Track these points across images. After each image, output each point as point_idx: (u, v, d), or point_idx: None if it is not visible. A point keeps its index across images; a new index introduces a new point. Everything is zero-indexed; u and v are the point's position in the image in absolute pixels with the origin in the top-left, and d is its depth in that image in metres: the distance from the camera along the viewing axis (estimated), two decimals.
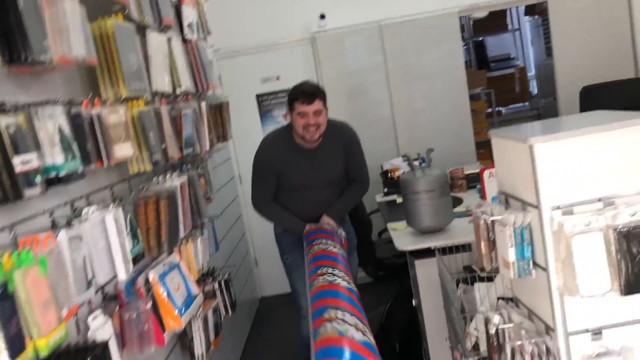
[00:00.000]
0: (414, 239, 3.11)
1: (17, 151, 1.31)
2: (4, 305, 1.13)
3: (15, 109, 1.38)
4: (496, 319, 1.65)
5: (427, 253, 3.08)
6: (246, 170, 5.06)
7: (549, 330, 1.50)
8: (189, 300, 2.35)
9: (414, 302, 3.48)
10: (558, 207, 1.39)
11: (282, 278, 5.19)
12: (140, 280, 2.14)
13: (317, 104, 2.91)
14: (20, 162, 1.30)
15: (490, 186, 2.57)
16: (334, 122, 3.17)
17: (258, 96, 5.03)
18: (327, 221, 3.04)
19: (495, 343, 1.66)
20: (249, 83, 4.96)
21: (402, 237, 3.17)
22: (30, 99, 1.69)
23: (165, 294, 2.15)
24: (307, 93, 2.90)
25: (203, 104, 3.15)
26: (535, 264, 1.49)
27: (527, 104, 7.38)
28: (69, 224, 1.58)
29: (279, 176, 3.08)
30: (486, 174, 2.58)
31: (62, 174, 1.47)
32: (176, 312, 2.16)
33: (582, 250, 1.32)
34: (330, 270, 2.35)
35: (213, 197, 3.32)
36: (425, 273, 3.11)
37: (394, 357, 3.46)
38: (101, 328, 1.75)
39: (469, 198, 3.76)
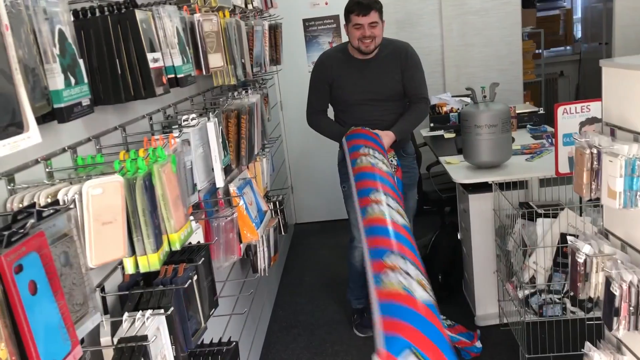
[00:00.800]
0: (471, 173, 3.12)
1: (148, 49, 1.30)
2: (150, 197, 1.16)
3: (144, 5, 1.37)
4: (587, 248, 1.68)
5: (480, 188, 3.10)
6: (288, 96, 5.05)
7: None
8: (261, 214, 2.41)
9: (459, 236, 3.54)
10: None
11: (316, 206, 5.30)
12: (220, 192, 2.19)
13: (373, 16, 2.88)
14: (152, 59, 1.31)
15: (564, 123, 2.55)
16: (392, 39, 3.13)
17: (305, 21, 4.92)
18: (388, 139, 2.91)
19: (582, 272, 1.69)
20: (296, 7, 4.85)
21: (458, 171, 3.18)
22: None
23: (243, 207, 2.20)
24: (363, 4, 2.87)
25: (265, 23, 3.10)
26: None
27: (569, 48, 7.20)
28: (179, 128, 1.59)
29: (332, 87, 3.06)
30: (560, 110, 2.55)
31: (180, 75, 1.48)
32: (253, 224, 2.22)
33: None
34: (383, 197, 2.25)
35: (270, 119, 3.32)
36: (478, 207, 3.14)
37: (437, 288, 3.55)
38: (195, 233, 1.80)
39: (521, 137, 3.74)
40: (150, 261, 1.16)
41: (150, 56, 1.30)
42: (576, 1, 7.38)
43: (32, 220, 0.77)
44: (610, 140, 1.57)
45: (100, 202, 1.02)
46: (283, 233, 3.14)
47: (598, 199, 1.61)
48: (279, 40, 3.69)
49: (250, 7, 2.72)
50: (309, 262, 4.44)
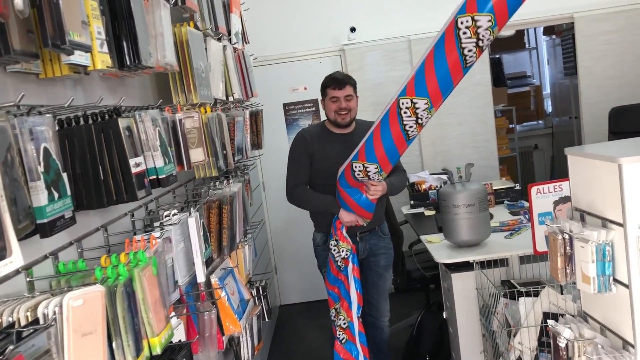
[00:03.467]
0: (452, 252, 3.15)
1: (130, 154, 1.35)
2: (131, 303, 1.17)
3: (127, 112, 1.43)
4: (567, 332, 1.69)
5: (462, 267, 3.13)
6: (270, 177, 5.13)
7: (627, 346, 1.54)
8: (243, 304, 2.39)
9: (444, 315, 3.53)
10: None
11: (300, 287, 5.26)
12: (202, 284, 2.18)
13: (348, 89, 3.07)
14: (134, 164, 1.35)
15: (538, 202, 2.62)
16: (364, 120, 3.26)
17: (285, 105, 5.08)
18: (381, 188, 2.93)
19: (565, 356, 1.70)
20: (277, 92, 5.02)
21: (439, 250, 3.22)
22: (116, 102, 1.75)
23: (225, 298, 2.19)
24: (338, 79, 3.08)
25: (247, 112, 3.21)
26: (615, 280, 1.54)
27: (541, 122, 7.47)
28: (161, 226, 1.62)
29: (312, 160, 3.10)
30: (534, 190, 2.63)
31: (162, 176, 1.52)
32: (235, 315, 2.20)
33: None
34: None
35: (252, 203, 3.36)
36: (461, 286, 3.15)
37: None
38: (176, 329, 1.78)
39: (499, 213, 3.81)
40: None
41: (132, 161, 1.34)
42: (545, 78, 7.73)
43: (10, 347, 0.78)
44: (580, 226, 1.62)
45: (81, 313, 1.03)
46: (267, 319, 3.11)
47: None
48: (260, 125, 3.80)
49: (231, 99, 2.82)
50: (294, 346, 4.36)
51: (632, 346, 1.51)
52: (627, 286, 1.50)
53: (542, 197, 2.63)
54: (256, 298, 3.02)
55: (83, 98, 1.54)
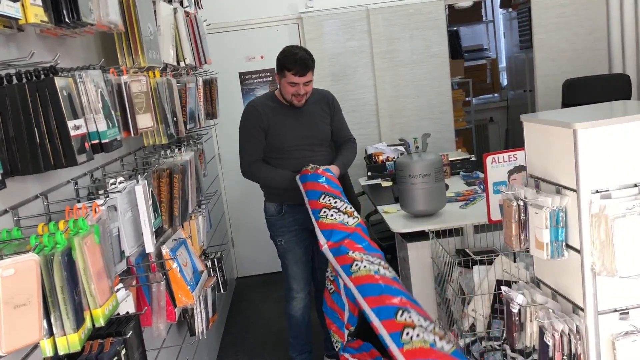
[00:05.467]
0: (408, 222, 3.16)
1: (68, 116, 1.26)
2: (70, 273, 1.10)
3: (65, 72, 1.33)
4: (520, 298, 1.71)
5: (418, 236, 3.14)
6: (226, 149, 5.02)
7: (577, 309, 1.56)
8: (197, 276, 2.34)
9: None
10: (597, 191, 1.45)
11: (257, 259, 5.22)
12: (152, 255, 2.11)
13: (309, 76, 2.94)
14: (73, 127, 1.26)
15: (493, 172, 2.64)
16: (314, 88, 3.19)
17: (241, 74, 4.96)
18: (335, 172, 2.94)
19: (517, 322, 1.72)
20: (233, 61, 4.89)
21: (395, 220, 3.22)
22: (53, 62, 1.64)
23: (177, 269, 2.12)
24: (301, 66, 2.89)
25: (200, 79, 3.10)
26: (568, 246, 1.55)
27: (497, 95, 7.55)
28: (105, 193, 1.54)
29: (267, 135, 3.03)
30: (489, 159, 2.64)
31: (105, 141, 1.43)
32: (188, 287, 2.14)
33: (622, 233, 1.38)
34: (364, 256, 2.37)
35: (207, 174, 3.28)
36: (417, 255, 3.17)
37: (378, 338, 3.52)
38: (124, 301, 1.72)
39: (454, 184, 3.84)
40: (70, 342, 1.08)
41: (71, 124, 1.26)
42: (501, 51, 7.80)
43: None
44: (535, 193, 1.62)
45: (13, 283, 0.95)
46: (222, 291, 3.06)
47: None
48: (215, 94, 3.69)
49: (182, 64, 2.71)
50: (251, 318, 4.33)
51: (582, 309, 1.53)
52: (578, 251, 1.51)
53: (497, 166, 2.65)
54: (211, 270, 2.96)
55: (17, 56, 1.43)
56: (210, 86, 3.58)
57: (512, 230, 1.66)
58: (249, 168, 3.07)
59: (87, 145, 1.33)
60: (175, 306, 2.12)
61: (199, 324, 2.54)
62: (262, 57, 4.91)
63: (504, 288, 1.79)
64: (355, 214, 2.64)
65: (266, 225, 3.23)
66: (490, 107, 7.33)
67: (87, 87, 1.40)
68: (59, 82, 1.24)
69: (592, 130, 1.43)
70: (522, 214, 1.63)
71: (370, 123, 4.97)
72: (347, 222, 2.56)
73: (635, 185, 1.45)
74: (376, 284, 2.09)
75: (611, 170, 1.46)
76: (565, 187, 1.53)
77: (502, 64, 7.73)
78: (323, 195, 2.70)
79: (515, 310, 1.72)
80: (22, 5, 1.19)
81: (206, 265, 2.93)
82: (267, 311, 4.40)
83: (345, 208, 2.63)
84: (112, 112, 1.53)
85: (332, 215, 2.60)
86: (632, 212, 1.38)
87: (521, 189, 1.65)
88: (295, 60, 2.90)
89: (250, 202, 4.95)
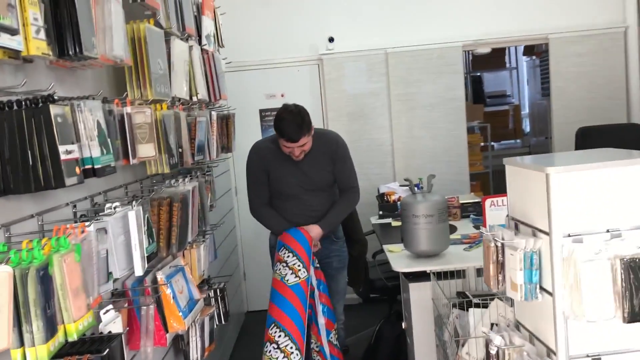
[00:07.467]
0: (410, 261, 3.17)
1: (62, 141, 1.36)
2: (45, 287, 1.17)
3: (62, 100, 1.44)
4: (498, 340, 1.71)
5: (421, 277, 3.15)
6: (243, 183, 5.10)
7: (550, 353, 1.56)
8: (192, 304, 2.39)
9: (403, 325, 3.54)
10: (569, 235, 1.47)
11: (268, 294, 5.23)
12: (148, 280, 2.18)
13: (302, 141, 2.95)
14: (65, 151, 1.36)
15: (491, 215, 2.66)
16: (323, 131, 3.25)
17: (261, 111, 5.10)
18: (315, 233, 3.07)
19: None
20: (253, 97, 5.04)
21: (398, 259, 3.24)
22: (65, 92, 1.76)
23: (171, 295, 2.18)
24: (291, 136, 2.91)
25: (214, 114, 3.22)
26: (541, 288, 1.56)
27: (519, 141, 7.55)
28: (96, 216, 1.62)
29: (269, 177, 3.13)
30: (487, 202, 2.67)
31: (98, 166, 1.52)
32: (180, 314, 2.20)
33: (590, 277, 1.40)
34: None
35: (215, 206, 3.36)
36: (419, 296, 3.17)
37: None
38: (112, 322, 1.78)
39: (463, 227, 3.84)
40: (39, 353, 1.15)
41: (62, 148, 1.35)
42: (524, 97, 7.83)
43: None
44: (512, 234, 1.65)
45: None
46: (223, 322, 3.10)
47: None
48: (231, 129, 3.81)
49: (195, 99, 2.83)
50: (256, 352, 4.31)
51: (554, 353, 1.53)
52: (551, 294, 1.52)
53: (496, 209, 2.68)
54: (212, 299, 3.02)
55: (25, 85, 1.55)
56: (227, 121, 3.71)
57: (490, 270, 1.68)
58: (258, 211, 3.23)
59: (77, 169, 1.42)
60: (167, 331, 2.18)
61: (194, 352, 2.58)
62: (282, 96, 5.05)
63: (483, 329, 1.80)
64: (302, 272, 2.88)
65: None
66: (512, 152, 7.32)
67: (85, 116, 1.51)
68: (54, 109, 1.34)
69: (564, 175, 1.46)
70: (499, 255, 1.65)
71: (385, 163, 5.03)
72: (288, 279, 2.87)
73: (608, 231, 1.47)
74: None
75: (584, 215, 1.48)
76: (540, 230, 1.55)
77: (525, 110, 7.75)
78: (284, 249, 3.00)
79: (493, 352, 1.73)
80: (25, 38, 1.30)
81: (208, 295, 3.00)
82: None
83: (294, 265, 2.90)
84: (109, 140, 1.62)
85: (279, 270, 2.93)
86: (600, 257, 1.39)
87: (499, 231, 1.68)
88: (284, 130, 2.93)
89: (264, 237, 5.00)
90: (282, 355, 2.36)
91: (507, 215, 1.79)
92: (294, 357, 2.38)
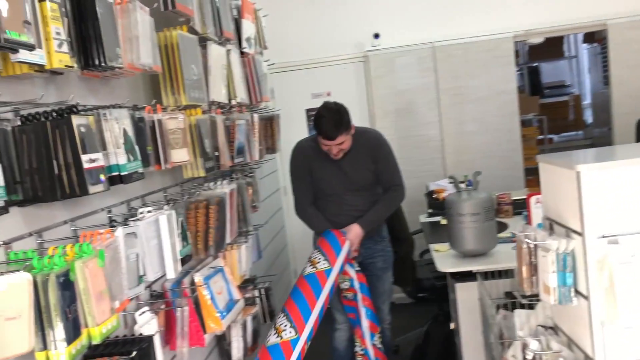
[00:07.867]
0: (456, 261, 3.10)
1: (85, 150, 1.40)
2: (65, 293, 1.22)
3: (85, 111, 1.49)
4: (534, 345, 1.64)
5: (468, 276, 3.06)
6: (290, 182, 5.15)
7: None
8: (231, 304, 2.42)
9: (451, 326, 3.46)
10: (603, 236, 1.39)
11: None
12: (186, 281, 2.23)
13: (339, 139, 2.92)
14: (88, 160, 1.40)
15: (537, 212, 2.55)
16: (364, 129, 3.20)
17: (308, 110, 5.12)
18: (353, 234, 3.04)
19: None
20: (300, 97, 5.06)
21: (444, 259, 3.16)
22: (98, 102, 1.81)
23: (208, 296, 2.22)
24: (328, 134, 2.90)
25: (255, 116, 3.25)
26: (577, 292, 1.48)
27: (580, 132, 7.23)
28: (125, 222, 1.67)
29: (311, 176, 3.13)
30: (533, 199, 2.56)
31: (124, 173, 1.57)
32: (218, 314, 2.23)
33: (625, 280, 1.31)
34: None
35: (259, 207, 3.39)
36: (466, 297, 3.09)
37: None
38: (147, 324, 1.83)
39: (515, 224, 3.71)
40: (61, 355, 1.19)
41: (86, 157, 1.39)
42: (585, 87, 7.49)
43: None
44: (546, 235, 1.58)
45: (4, 297, 1.08)
46: (268, 321, 3.13)
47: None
48: (276, 129, 3.85)
49: (234, 102, 2.86)
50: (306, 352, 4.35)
51: None
52: (586, 298, 1.44)
53: (540, 206, 2.56)
54: (257, 299, 3.05)
55: (56, 97, 1.61)
56: (271, 122, 3.74)
57: (523, 273, 1.61)
58: (304, 212, 3.23)
59: (102, 177, 1.46)
60: (205, 332, 2.22)
61: (236, 353, 2.62)
62: (328, 94, 5.04)
63: (520, 333, 1.72)
64: (320, 264, 2.87)
65: None
66: (574, 145, 7.00)
67: (110, 125, 1.55)
68: (76, 120, 1.38)
69: (595, 173, 1.38)
70: (532, 257, 1.58)
71: (434, 159, 4.93)
72: (305, 271, 2.88)
73: None
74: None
75: (619, 214, 1.39)
76: (573, 231, 1.47)
77: (587, 100, 7.41)
78: (314, 250, 3.02)
79: (529, 358, 1.66)
80: (48, 52, 1.35)
81: (252, 295, 3.03)
82: (322, 344, 4.40)
83: (314, 258, 2.94)
84: (136, 147, 1.67)
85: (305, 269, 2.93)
86: (636, 259, 1.31)
87: (532, 231, 1.61)
88: (321, 128, 2.93)
89: (312, 237, 5.03)
90: (274, 332, 2.41)
91: (543, 215, 1.71)
92: (286, 334, 2.41)
